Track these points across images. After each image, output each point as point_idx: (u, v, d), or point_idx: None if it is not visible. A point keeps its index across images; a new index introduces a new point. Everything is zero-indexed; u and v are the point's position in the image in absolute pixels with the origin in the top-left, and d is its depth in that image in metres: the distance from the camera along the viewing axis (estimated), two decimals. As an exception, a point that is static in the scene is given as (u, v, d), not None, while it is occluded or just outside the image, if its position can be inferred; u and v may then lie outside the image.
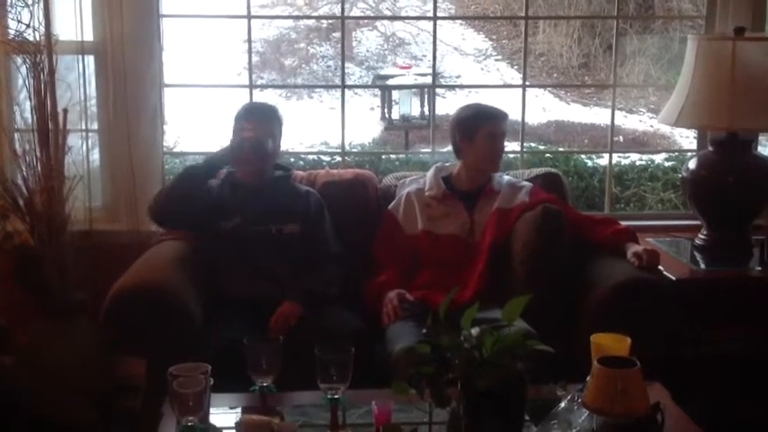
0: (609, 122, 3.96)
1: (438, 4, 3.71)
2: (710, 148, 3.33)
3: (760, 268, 3.17)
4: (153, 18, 3.42)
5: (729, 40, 3.15)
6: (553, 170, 3.48)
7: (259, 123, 3.03)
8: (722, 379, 3.03)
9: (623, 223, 3.15)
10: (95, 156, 3.53)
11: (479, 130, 3.09)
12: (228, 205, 3.02)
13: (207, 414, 2.04)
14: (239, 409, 2.29)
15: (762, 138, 3.89)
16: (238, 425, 2.07)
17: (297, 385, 2.31)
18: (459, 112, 3.19)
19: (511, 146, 5.27)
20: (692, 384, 2.85)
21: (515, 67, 8.96)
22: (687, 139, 6.44)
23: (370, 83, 8.39)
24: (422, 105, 6.87)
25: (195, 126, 6.55)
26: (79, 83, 3.38)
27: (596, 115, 8.16)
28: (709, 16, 3.67)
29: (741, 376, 3.04)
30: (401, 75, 7.25)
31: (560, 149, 6.80)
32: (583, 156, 4.97)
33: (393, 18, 9.29)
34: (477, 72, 9.07)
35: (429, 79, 4.04)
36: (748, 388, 3.06)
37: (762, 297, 3.10)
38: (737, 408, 3.04)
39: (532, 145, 6.61)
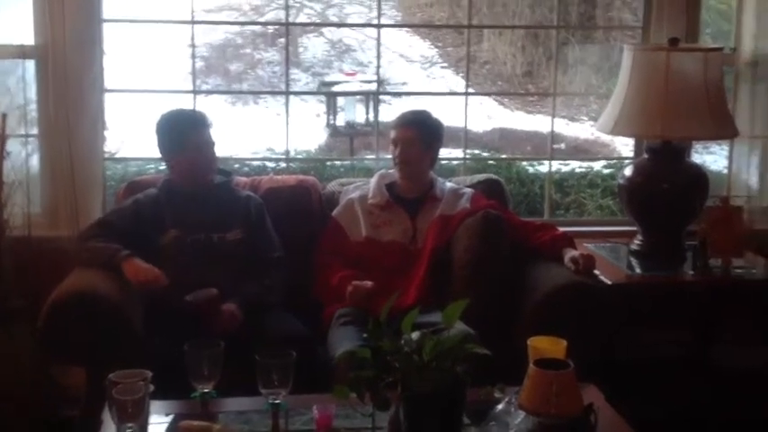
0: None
1: (385, 12, 3.75)
2: (646, 156, 3.41)
3: (693, 272, 3.25)
4: (94, 23, 3.39)
5: (663, 50, 3.24)
6: (494, 176, 3.53)
7: (207, 132, 3.06)
8: (656, 380, 3.11)
9: (563, 229, 3.23)
10: (35, 161, 3.49)
11: (392, 136, 3.18)
12: (166, 216, 2.98)
13: (146, 421, 2.03)
14: (172, 416, 2.27)
15: (697, 146, 3.99)
16: (176, 430, 2.07)
17: (238, 391, 2.31)
18: None
19: (454, 152, 5.36)
20: (626, 386, 2.92)
21: (461, 74, 9.03)
22: (627, 146, 6.56)
23: (316, 89, 8.38)
24: (367, 112, 6.91)
25: (139, 132, 6.47)
26: (19, 87, 3.34)
27: (540, 123, 8.26)
28: (645, 27, 3.74)
29: (674, 377, 3.13)
30: (346, 81, 7.27)
31: (503, 156, 6.88)
32: (525, 162, 5.04)
33: (338, 25, 9.30)
34: (423, 79, 9.10)
35: (375, 86, 4.07)
36: (680, 389, 3.15)
37: (694, 301, 3.20)
38: (670, 407, 3.12)
39: (476, 152, 6.69)
